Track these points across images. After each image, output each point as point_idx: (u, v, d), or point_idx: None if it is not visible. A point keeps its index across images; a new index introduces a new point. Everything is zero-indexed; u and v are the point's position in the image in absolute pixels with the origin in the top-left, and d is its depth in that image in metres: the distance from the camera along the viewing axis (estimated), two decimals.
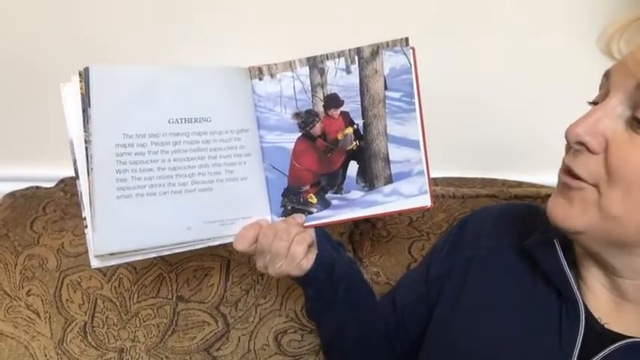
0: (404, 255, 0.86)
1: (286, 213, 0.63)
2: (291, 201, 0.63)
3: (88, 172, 0.55)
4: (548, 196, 0.52)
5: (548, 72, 0.97)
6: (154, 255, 0.59)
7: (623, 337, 0.49)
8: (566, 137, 0.49)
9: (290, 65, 0.61)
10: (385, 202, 0.62)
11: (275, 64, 0.61)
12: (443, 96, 0.85)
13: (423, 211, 0.88)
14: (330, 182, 0.63)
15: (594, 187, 0.47)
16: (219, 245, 0.62)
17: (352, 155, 0.63)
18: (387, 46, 0.60)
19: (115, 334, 0.80)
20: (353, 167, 0.63)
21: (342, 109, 0.62)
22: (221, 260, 0.83)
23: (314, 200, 0.63)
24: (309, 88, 0.61)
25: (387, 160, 0.62)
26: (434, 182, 0.91)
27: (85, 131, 0.55)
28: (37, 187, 0.91)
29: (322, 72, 0.61)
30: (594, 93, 0.52)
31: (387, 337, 0.70)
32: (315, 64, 0.61)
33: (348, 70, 0.61)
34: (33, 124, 0.98)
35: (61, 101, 0.55)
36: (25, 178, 0.94)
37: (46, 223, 0.84)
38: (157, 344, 0.80)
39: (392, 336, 0.70)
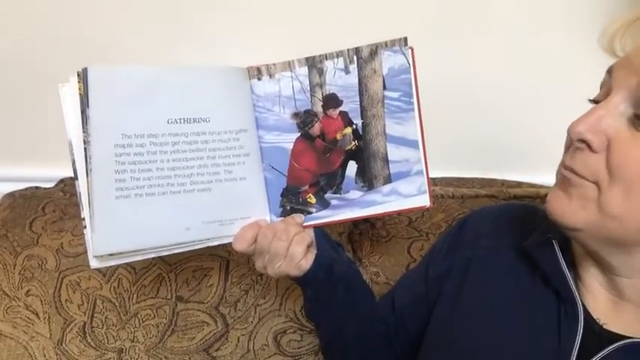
0: (403, 255, 0.86)
1: (285, 213, 0.63)
2: (290, 201, 0.63)
3: (87, 173, 0.55)
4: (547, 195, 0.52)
5: (547, 72, 0.97)
6: (153, 255, 0.59)
7: (621, 337, 0.49)
8: (568, 134, 0.49)
9: (289, 65, 0.61)
10: (384, 202, 0.62)
11: (274, 64, 0.61)
12: (442, 96, 0.85)
13: (422, 211, 0.88)
14: (329, 182, 0.63)
15: (594, 185, 0.47)
16: (219, 245, 0.62)
17: (351, 155, 0.63)
18: (386, 46, 0.60)
19: (114, 335, 0.80)
20: (352, 167, 0.63)
21: (341, 109, 0.62)
22: (220, 260, 0.83)
23: (313, 200, 0.63)
24: (308, 88, 0.61)
25: (385, 160, 0.62)
26: (433, 182, 0.91)
27: (83, 132, 0.55)
28: (37, 188, 0.91)
29: (321, 72, 0.61)
30: (593, 93, 0.51)
31: (386, 338, 0.70)
32: (314, 64, 0.61)
33: (346, 70, 0.61)
34: (33, 124, 0.98)
35: (60, 102, 0.55)
36: (25, 179, 0.94)
37: (45, 224, 0.84)
38: (156, 344, 0.80)
39: (391, 336, 0.70)
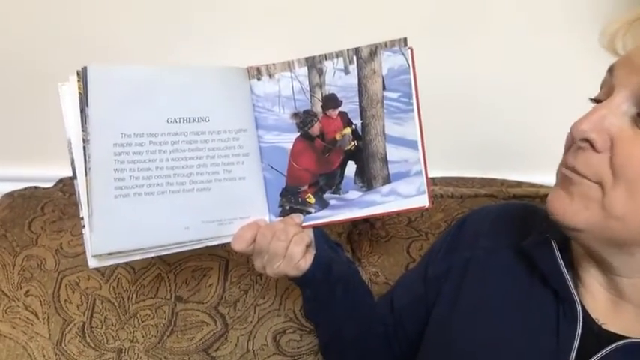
0: (402, 255, 0.86)
1: (284, 213, 0.63)
2: (289, 201, 0.63)
3: (86, 172, 0.55)
4: (547, 196, 0.52)
5: (547, 72, 0.97)
6: (152, 255, 0.59)
7: (620, 337, 0.49)
8: (570, 133, 0.48)
9: (288, 65, 0.61)
10: (383, 202, 0.62)
11: (273, 64, 0.61)
12: (441, 96, 0.85)
13: (421, 211, 0.88)
14: (328, 182, 0.63)
15: (597, 185, 0.46)
16: (218, 245, 0.62)
17: (350, 155, 0.63)
18: (386, 46, 0.60)
19: (113, 335, 0.80)
20: (351, 167, 0.63)
21: (341, 109, 0.62)
22: (219, 260, 0.83)
23: (312, 200, 0.63)
24: (308, 89, 0.61)
25: (385, 161, 0.62)
26: (432, 182, 0.91)
27: (83, 131, 0.54)
28: (36, 188, 0.91)
29: (321, 72, 0.61)
30: (593, 93, 0.51)
31: (385, 338, 0.70)
32: (314, 64, 0.61)
33: (346, 71, 0.61)
34: (32, 124, 0.98)
35: (60, 101, 0.55)
36: (24, 179, 0.94)
37: (44, 224, 0.84)
38: (155, 344, 0.80)
39: (390, 336, 0.70)
